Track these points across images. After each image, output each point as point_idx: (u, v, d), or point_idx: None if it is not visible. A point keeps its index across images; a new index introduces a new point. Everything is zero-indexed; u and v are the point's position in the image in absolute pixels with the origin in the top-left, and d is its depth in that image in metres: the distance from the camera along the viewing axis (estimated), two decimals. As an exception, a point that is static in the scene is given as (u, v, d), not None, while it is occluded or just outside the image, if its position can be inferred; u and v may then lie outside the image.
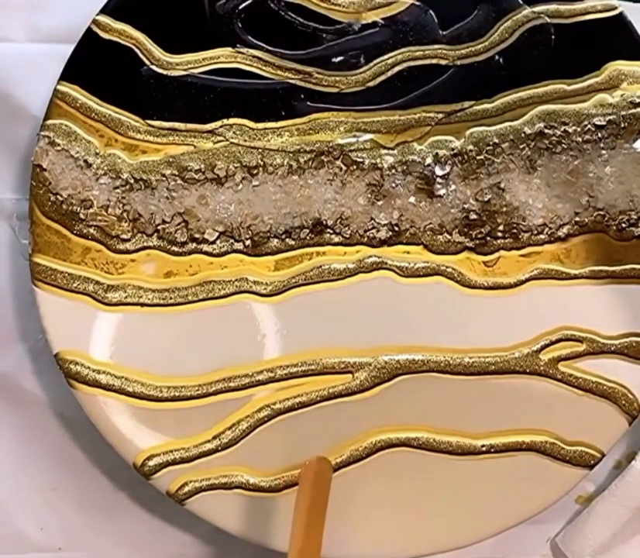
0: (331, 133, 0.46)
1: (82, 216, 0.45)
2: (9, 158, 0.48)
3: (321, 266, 0.45)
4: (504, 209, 0.46)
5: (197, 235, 0.45)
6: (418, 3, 0.46)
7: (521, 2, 0.46)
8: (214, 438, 0.44)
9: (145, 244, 0.45)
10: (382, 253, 0.45)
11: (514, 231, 0.46)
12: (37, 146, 0.44)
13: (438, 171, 0.46)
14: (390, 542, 0.44)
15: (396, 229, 0.45)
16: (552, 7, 0.46)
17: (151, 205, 0.45)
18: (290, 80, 0.46)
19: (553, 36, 0.46)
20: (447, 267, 0.45)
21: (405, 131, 0.46)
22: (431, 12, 0.46)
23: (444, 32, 0.46)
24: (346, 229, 0.45)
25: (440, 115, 0.46)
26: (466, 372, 0.45)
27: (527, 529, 0.47)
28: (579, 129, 0.46)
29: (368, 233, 0.45)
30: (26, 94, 0.48)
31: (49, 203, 0.44)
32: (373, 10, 0.47)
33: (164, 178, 0.45)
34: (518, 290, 0.45)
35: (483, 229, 0.46)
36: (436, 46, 0.46)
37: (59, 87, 0.45)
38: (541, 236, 0.46)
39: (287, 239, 0.45)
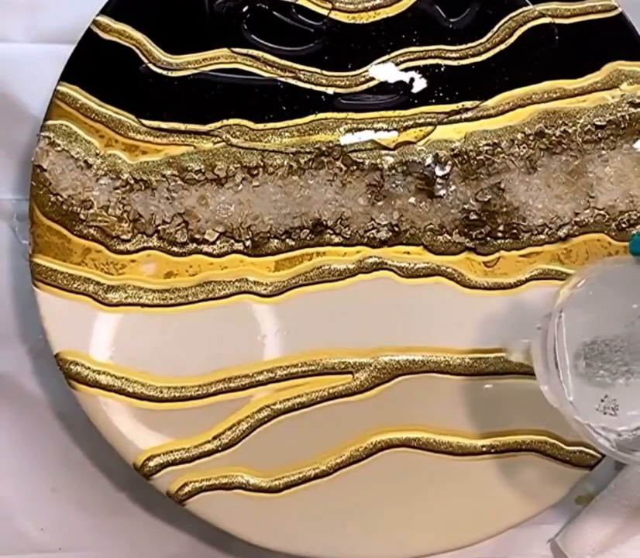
0: (331, 134, 0.46)
1: (82, 217, 0.45)
2: (9, 158, 0.48)
3: (321, 267, 0.45)
4: (504, 209, 0.46)
5: (197, 236, 0.45)
6: None
7: (525, 1, 0.46)
8: (214, 438, 0.44)
9: (145, 245, 0.45)
10: (382, 254, 0.45)
11: (514, 231, 0.46)
12: (37, 147, 0.44)
13: (439, 172, 0.46)
14: (391, 542, 0.44)
15: (396, 229, 0.45)
16: (553, 6, 0.47)
17: (151, 206, 0.45)
18: (291, 81, 0.46)
19: (557, 36, 0.46)
20: (447, 268, 0.45)
21: (405, 131, 0.46)
22: (436, 6, 0.47)
23: (452, 20, 0.46)
24: (346, 229, 0.45)
25: (440, 115, 0.46)
26: (466, 372, 0.45)
27: (527, 529, 0.47)
28: (578, 130, 0.46)
29: (368, 234, 0.45)
30: (26, 95, 0.48)
31: (50, 203, 0.44)
32: (378, 9, 0.47)
33: (164, 179, 0.45)
34: (518, 290, 0.45)
35: (483, 230, 0.46)
36: (436, 46, 0.47)
37: (59, 87, 0.45)
38: (542, 236, 0.46)
39: (288, 240, 0.45)
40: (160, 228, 0.45)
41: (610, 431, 0.35)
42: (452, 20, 0.47)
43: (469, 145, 0.46)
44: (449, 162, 0.46)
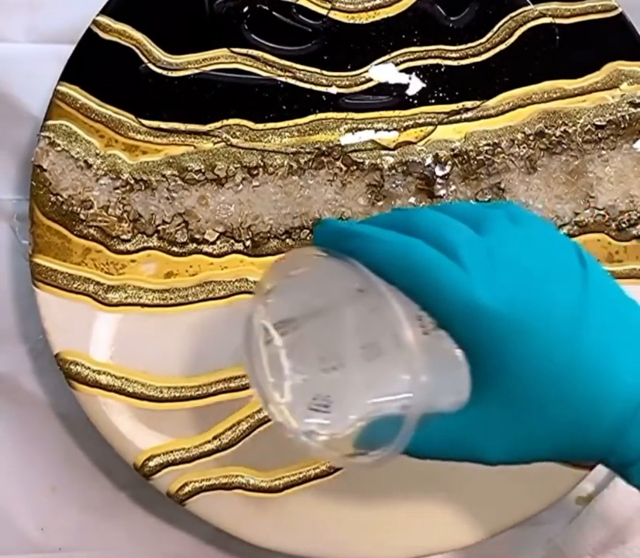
0: (331, 134, 0.46)
1: (82, 217, 0.45)
2: (10, 158, 0.48)
3: (321, 267, 0.45)
4: (504, 209, 0.46)
5: (197, 236, 0.45)
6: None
7: (525, 1, 0.47)
8: (214, 438, 0.44)
9: (145, 244, 0.45)
10: (382, 254, 0.45)
11: (514, 231, 0.46)
12: (37, 147, 0.44)
13: (439, 172, 0.46)
14: (390, 542, 0.44)
15: (396, 229, 0.45)
16: (553, 6, 0.47)
17: (151, 206, 0.45)
18: (290, 80, 0.46)
19: (557, 36, 0.46)
20: (447, 268, 0.45)
21: (405, 131, 0.46)
22: (436, 5, 0.47)
23: (453, 18, 0.46)
24: (346, 229, 0.45)
25: (440, 116, 0.46)
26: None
27: (527, 529, 0.47)
28: (578, 130, 0.46)
29: (368, 234, 0.45)
30: (26, 95, 0.48)
31: (50, 204, 0.44)
32: (379, 9, 0.47)
33: (164, 179, 0.45)
34: (518, 290, 0.45)
35: (483, 230, 0.46)
36: (436, 46, 0.47)
37: (59, 87, 0.45)
38: (542, 237, 0.46)
39: (288, 240, 0.45)
40: (159, 228, 0.45)
41: (319, 433, 0.33)
42: (452, 19, 0.47)
43: (469, 145, 0.46)
44: (449, 162, 0.46)
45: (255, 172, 0.45)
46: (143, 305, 0.45)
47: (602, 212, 0.46)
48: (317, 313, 0.33)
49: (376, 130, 0.46)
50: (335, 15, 0.47)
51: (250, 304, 0.33)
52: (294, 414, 0.33)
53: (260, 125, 0.46)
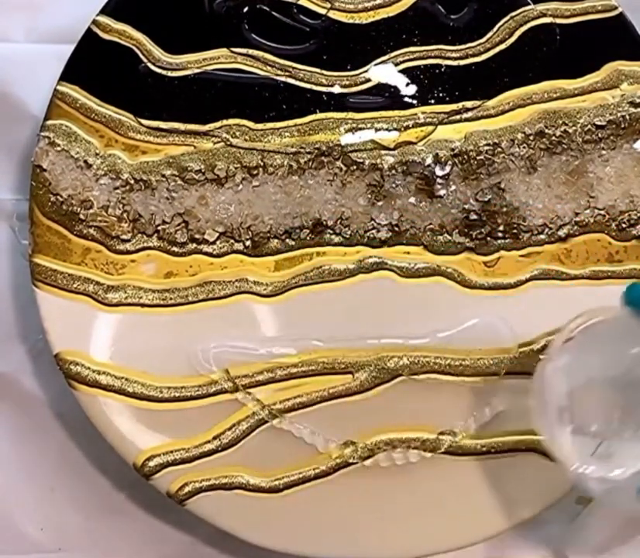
0: (331, 133, 0.46)
1: (82, 217, 0.45)
2: (9, 158, 0.48)
3: (321, 267, 0.45)
4: (504, 209, 0.46)
5: (197, 236, 0.45)
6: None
7: (526, 0, 0.47)
8: (214, 438, 0.44)
9: (145, 244, 0.45)
10: (382, 254, 0.45)
11: (515, 231, 0.46)
12: (37, 147, 0.45)
13: (439, 171, 0.46)
14: (391, 542, 0.44)
15: (396, 229, 0.45)
16: (553, 6, 0.47)
17: (151, 206, 0.45)
18: (290, 80, 0.46)
19: (558, 36, 0.46)
20: (447, 268, 0.45)
21: (406, 131, 0.46)
22: (437, 5, 0.47)
23: (453, 17, 0.47)
24: (346, 229, 0.45)
25: (440, 116, 0.46)
26: (467, 373, 0.45)
27: (527, 529, 0.47)
28: (579, 129, 0.46)
29: (368, 234, 0.45)
30: (26, 94, 0.48)
31: (50, 204, 0.44)
32: (379, 9, 0.47)
33: (164, 179, 0.45)
34: (519, 290, 0.45)
35: (483, 230, 0.46)
36: (436, 46, 0.47)
37: (59, 87, 0.45)
38: (542, 237, 0.46)
39: (288, 240, 0.45)
40: (159, 228, 0.45)
41: (603, 480, 0.35)
42: (452, 17, 0.47)
43: (470, 145, 0.46)
44: (449, 162, 0.46)
45: (255, 172, 0.45)
46: (143, 305, 0.45)
47: (602, 212, 0.46)
48: (613, 369, 0.35)
49: (377, 130, 0.46)
50: (335, 15, 0.47)
51: (548, 350, 0.35)
52: (580, 460, 0.35)
53: (260, 125, 0.46)
